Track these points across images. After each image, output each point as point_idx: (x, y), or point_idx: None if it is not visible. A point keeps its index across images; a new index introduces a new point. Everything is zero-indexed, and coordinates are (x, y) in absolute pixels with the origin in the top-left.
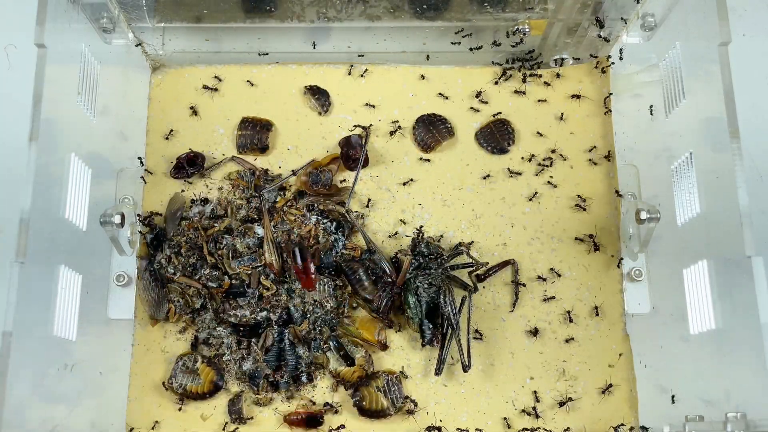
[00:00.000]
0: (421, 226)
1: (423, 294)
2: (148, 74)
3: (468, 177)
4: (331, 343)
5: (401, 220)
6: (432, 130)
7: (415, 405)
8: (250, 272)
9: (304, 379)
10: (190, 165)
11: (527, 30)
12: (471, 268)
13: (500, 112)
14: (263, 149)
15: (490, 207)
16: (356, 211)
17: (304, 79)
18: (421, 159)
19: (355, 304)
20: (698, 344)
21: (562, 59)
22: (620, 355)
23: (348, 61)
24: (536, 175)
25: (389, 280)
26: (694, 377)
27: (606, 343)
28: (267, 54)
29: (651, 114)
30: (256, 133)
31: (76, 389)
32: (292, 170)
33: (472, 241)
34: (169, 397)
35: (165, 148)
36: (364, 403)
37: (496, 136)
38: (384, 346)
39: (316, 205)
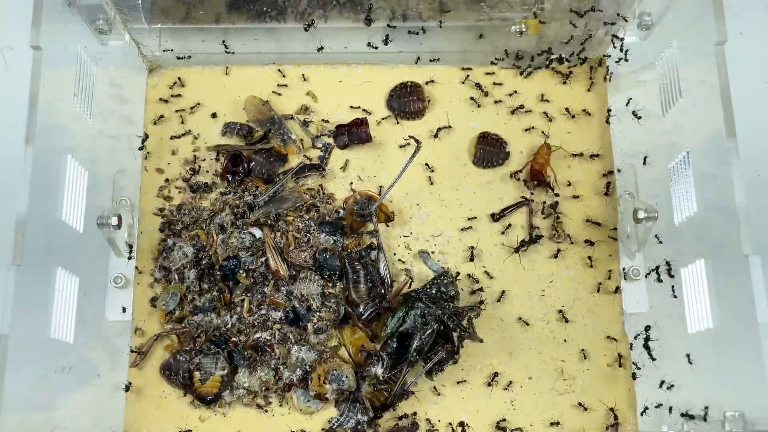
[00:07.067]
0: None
1: (410, 317)
2: (144, 75)
3: (465, 177)
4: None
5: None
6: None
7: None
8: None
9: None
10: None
11: (524, 30)
12: (463, 334)
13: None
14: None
15: (487, 207)
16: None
17: (301, 80)
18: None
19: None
20: (696, 343)
21: (558, 59)
22: (618, 354)
23: (344, 61)
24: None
25: (383, 292)
26: (691, 376)
27: (604, 342)
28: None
29: (648, 113)
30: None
31: (74, 392)
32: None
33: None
34: (167, 399)
35: (161, 150)
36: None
37: (491, 154)
38: (360, 366)
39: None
